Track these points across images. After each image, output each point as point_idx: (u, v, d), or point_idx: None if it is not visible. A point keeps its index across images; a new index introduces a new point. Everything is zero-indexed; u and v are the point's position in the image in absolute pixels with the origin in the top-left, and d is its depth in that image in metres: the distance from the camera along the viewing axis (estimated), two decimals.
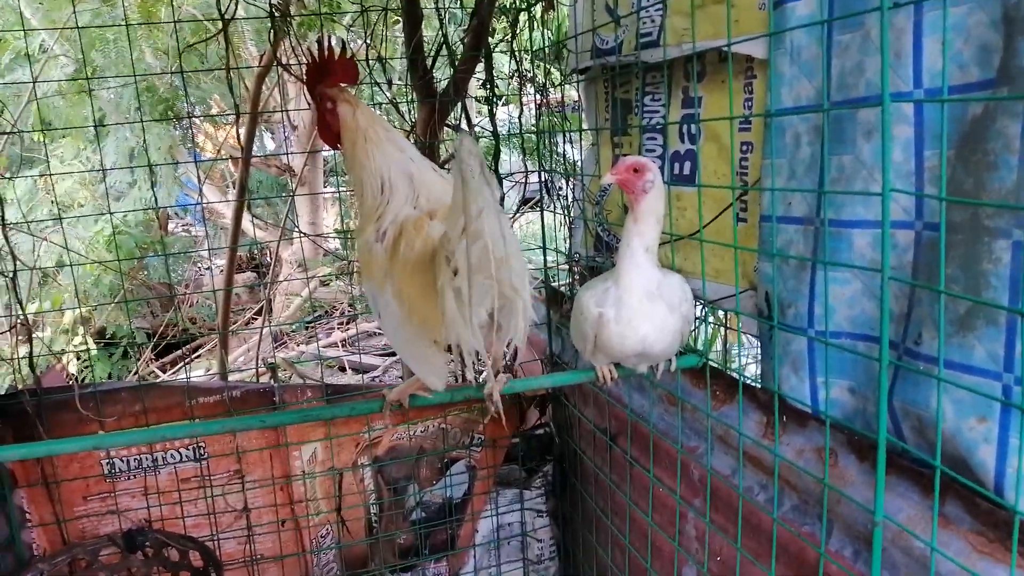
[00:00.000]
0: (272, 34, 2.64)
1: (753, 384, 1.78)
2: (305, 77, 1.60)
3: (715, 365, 1.88)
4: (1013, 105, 1.15)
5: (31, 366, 2.61)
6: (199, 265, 8.18)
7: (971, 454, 1.25)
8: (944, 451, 1.26)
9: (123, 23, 2.58)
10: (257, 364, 3.67)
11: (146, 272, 7.03)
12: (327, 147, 1.68)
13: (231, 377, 4.38)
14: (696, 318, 1.92)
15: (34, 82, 2.68)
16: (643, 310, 1.53)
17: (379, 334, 6.89)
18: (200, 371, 6.15)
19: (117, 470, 2.67)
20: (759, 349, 1.86)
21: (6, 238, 2.42)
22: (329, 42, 1.59)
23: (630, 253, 1.52)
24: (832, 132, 1.47)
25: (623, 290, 1.53)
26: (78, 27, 2.88)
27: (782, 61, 1.57)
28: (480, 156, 1.20)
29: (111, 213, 3.16)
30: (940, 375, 1.19)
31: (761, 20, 1.68)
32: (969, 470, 1.26)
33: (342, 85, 1.58)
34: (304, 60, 1.74)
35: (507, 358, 2.80)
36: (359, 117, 1.56)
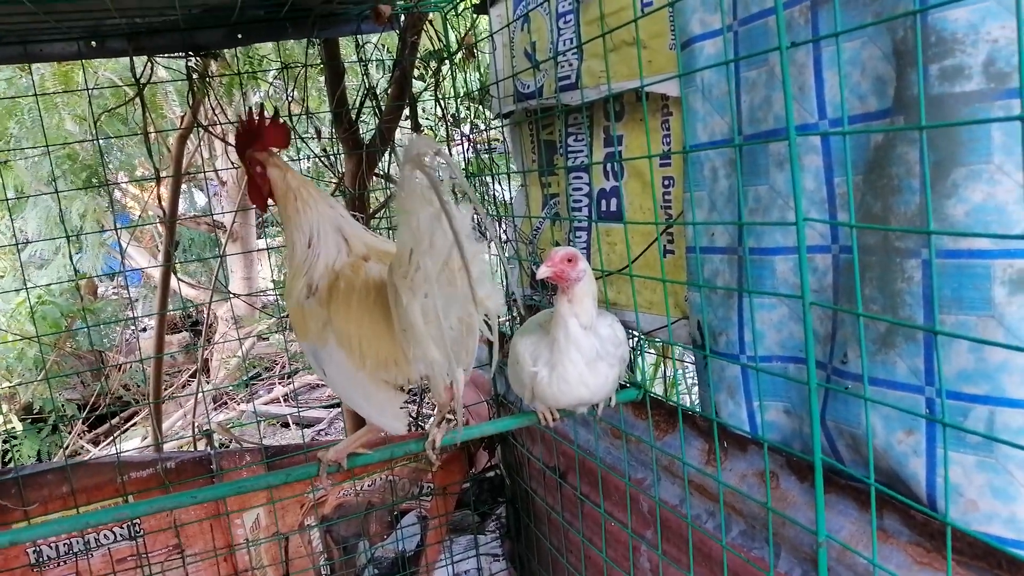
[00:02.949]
0: (191, 96, 2.60)
1: (693, 412, 1.80)
2: (235, 142, 1.59)
3: (655, 395, 1.90)
4: (911, 132, 1.21)
5: None
6: (132, 328, 7.91)
7: (902, 467, 1.28)
8: (878, 466, 1.29)
9: (38, 92, 2.51)
10: (193, 431, 3.54)
11: (75, 341, 6.75)
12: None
13: (168, 446, 4.22)
14: (632, 348, 1.94)
15: None
16: (579, 378, 1.54)
17: (322, 386, 6.75)
18: (136, 439, 5.90)
19: (45, 558, 2.53)
20: (696, 375, 1.89)
21: None
22: (261, 108, 1.59)
23: (565, 334, 1.52)
24: (746, 164, 1.52)
25: (558, 360, 1.53)
26: None
27: (695, 98, 1.62)
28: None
29: (27, 288, 3.03)
30: (866, 395, 1.22)
31: (672, 59, 1.73)
32: (903, 483, 1.29)
33: (272, 149, 1.58)
34: (227, 120, 1.73)
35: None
36: (289, 179, 1.56)
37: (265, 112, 1.58)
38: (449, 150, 3.00)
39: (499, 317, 1.42)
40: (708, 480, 1.67)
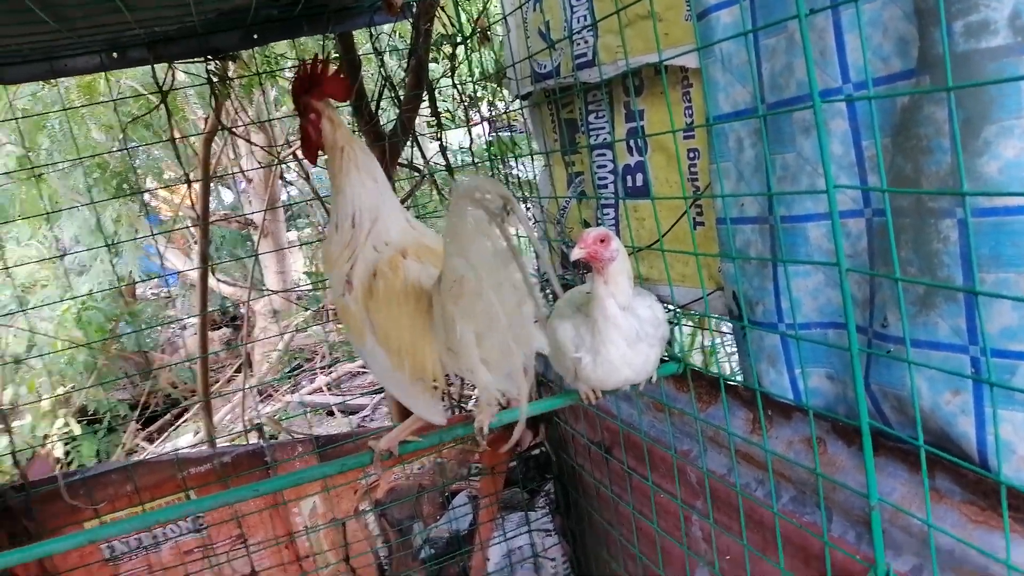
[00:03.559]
0: (213, 98, 2.64)
1: (734, 382, 1.81)
2: (292, 87, 1.56)
3: (696, 368, 1.91)
4: (938, 92, 1.19)
5: (14, 461, 2.57)
6: (174, 327, 8.10)
7: (951, 427, 1.28)
8: (927, 427, 1.29)
9: (65, 106, 2.57)
10: (244, 425, 3.64)
11: (120, 343, 6.93)
12: (284, 197, 1.68)
13: (220, 440, 4.34)
14: (669, 323, 1.95)
15: None
16: (623, 360, 1.55)
17: (363, 373, 6.86)
18: (188, 435, 6.08)
19: (118, 553, 2.64)
20: (735, 345, 1.89)
21: None
22: (326, 58, 1.56)
23: (604, 316, 1.52)
24: (772, 133, 1.51)
25: (600, 344, 1.53)
26: (17, 117, 2.86)
27: (715, 69, 1.61)
28: (501, 195, 1.19)
29: (76, 297, 3.11)
30: (908, 357, 1.22)
31: (689, 30, 1.72)
32: (952, 442, 1.29)
33: (329, 100, 1.55)
34: (248, 120, 1.74)
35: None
36: (339, 136, 1.54)
37: (329, 62, 1.55)
38: (469, 133, 3.01)
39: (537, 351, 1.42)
40: (755, 449, 1.69)
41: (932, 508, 1.27)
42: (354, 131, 2.85)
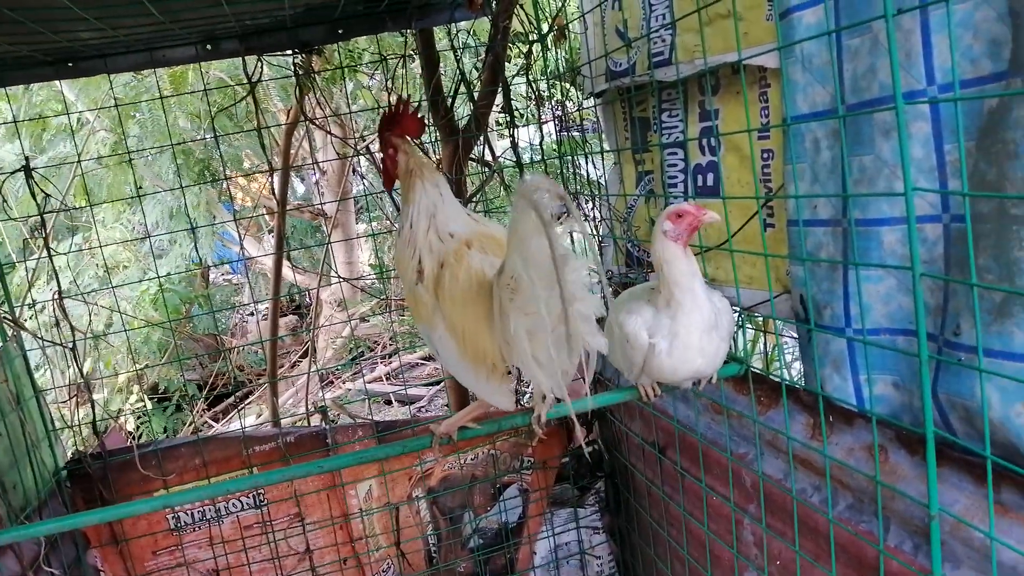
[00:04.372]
0: (298, 90, 2.74)
1: (796, 387, 1.79)
2: (378, 125, 1.72)
3: (757, 371, 1.90)
4: None
5: (94, 430, 2.71)
6: (242, 312, 8.39)
7: (1022, 440, 1.25)
8: (994, 439, 1.27)
9: (157, 95, 2.72)
10: (307, 408, 3.75)
11: (192, 325, 7.23)
12: (355, 190, 1.79)
13: (283, 422, 4.48)
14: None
15: (79, 160, 2.83)
16: (699, 345, 1.55)
17: (422, 364, 6.98)
18: (252, 417, 6.29)
19: (183, 523, 2.76)
20: (799, 350, 1.87)
21: (63, 309, 2.54)
22: (406, 100, 1.71)
23: (692, 296, 1.53)
24: (850, 134, 1.50)
25: (681, 326, 1.53)
26: (116, 104, 3.03)
27: (794, 69, 1.60)
28: (555, 193, 1.22)
29: (158, 277, 3.28)
30: (980, 366, 1.20)
31: (769, 30, 1.71)
32: (1021, 456, 1.26)
33: (406, 136, 1.68)
34: (329, 112, 1.83)
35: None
36: (411, 163, 1.66)
37: (410, 102, 1.69)
38: (540, 130, 3.04)
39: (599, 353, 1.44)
40: (813, 454, 1.67)
41: (996, 521, 1.24)
42: (429, 125, 2.92)
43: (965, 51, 1.28)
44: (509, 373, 1.57)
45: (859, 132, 1.49)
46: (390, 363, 6.95)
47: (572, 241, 2.78)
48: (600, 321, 1.49)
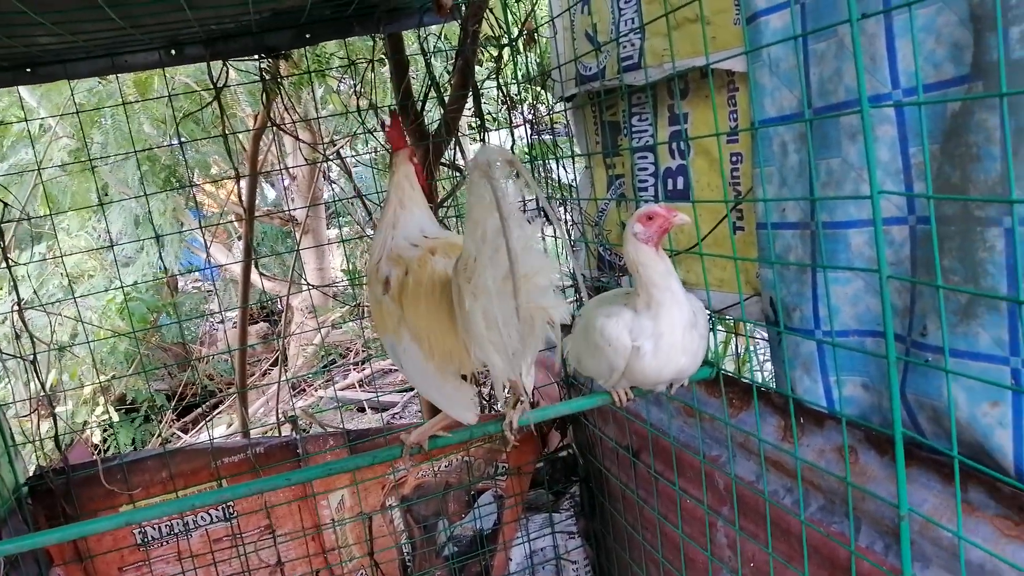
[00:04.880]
0: (265, 95, 2.70)
1: (767, 389, 1.80)
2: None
3: (728, 373, 1.90)
4: (990, 99, 1.19)
5: (57, 444, 2.64)
6: (212, 320, 8.27)
7: (988, 439, 1.27)
8: (961, 439, 1.28)
9: (120, 101, 2.66)
10: (278, 417, 3.70)
11: (160, 334, 7.10)
12: (326, 195, 1.80)
13: (252, 432, 4.41)
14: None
15: (39, 169, 2.77)
16: (683, 343, 1.54)
17: (395, 371, 6.92)
18: (222, 427, 6.19)
19: (150, 538, 2.70)
20: (769, 352, 1.88)
21: (23, 321, 2.47)
22: (394, 115, 1.75)
23: (671, 294, 1.52)
24: (817, 138, 1.51)
25: (665, 325, 1.52)
26: (77, 111, 2.96)
27: (762, 73, 1.61)
28: (508, 161, 1.22)
29: (123, 287, 3.20)
30: (947, 367, 1.21)
31: (737, 34, 1.72)
32: (988, 455, 1.28)
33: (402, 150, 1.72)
34: (297, 118, 1.82)
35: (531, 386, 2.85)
36: (392, 180, 1.69)
37: (394, 115, 1.74)
38: (511, 134, 3.03)
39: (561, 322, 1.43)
40: (784, 456, 1.68)
41: (964, 521, 1.25)
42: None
43: (928, 55, 1.30)
44: (474, 382, 1.55)
45: (826, 135, 1.50)
46: (363, 370, 6.89)
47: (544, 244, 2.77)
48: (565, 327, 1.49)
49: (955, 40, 1.26)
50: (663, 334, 1.52)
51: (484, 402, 3.13)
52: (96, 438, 5.97)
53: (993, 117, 1.18)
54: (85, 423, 5.61)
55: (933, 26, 1.29)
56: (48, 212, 5.36)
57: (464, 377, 1.57)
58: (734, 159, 1.83)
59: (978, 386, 1.26)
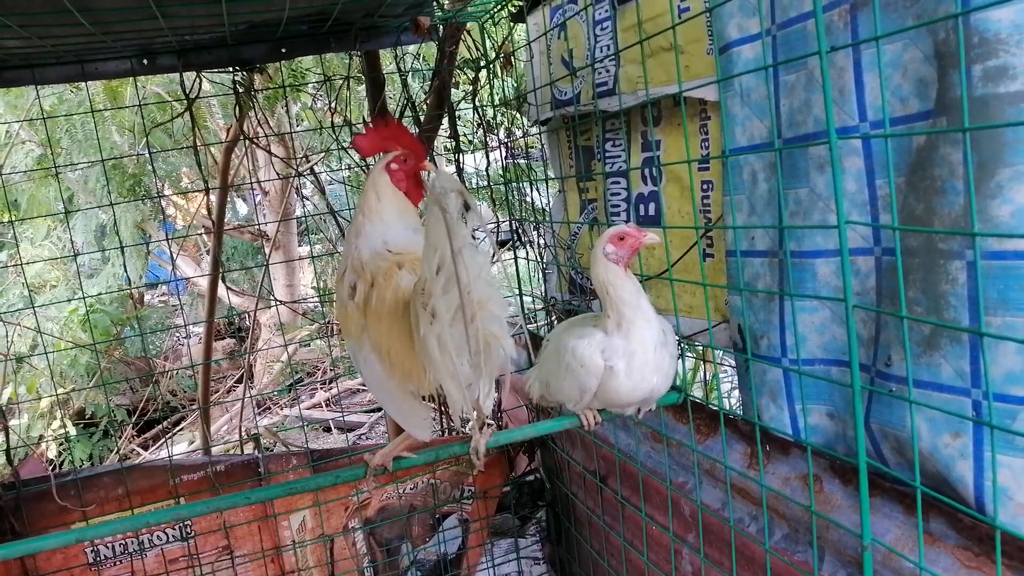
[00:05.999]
0: (237, 108, 2.68)
1: (734, 416, 1.80)
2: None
3: (696, 399, 1.90)
4: (954, 134, 1.21)
5: (8, 459, 2.56)
6: (177, 334, 8.11)
7: (949, 470, 1.27)
8: (924, 469, 1.29)
9: (89, 109, 2.61)
10: (240, 435, 3.63)
11: (123, 348, 6.94)
12: (298, 211, 1.76)
13: (215, 449, 4.32)
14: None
15: (0, 174, 2.70)
16: (655, 362, 1.54)
17: (363, 391, 6.84)
18: (183, 444, 6.05)
19: (102, 557, 2.61)
20: (737, 379, 1.89)
21: None
22: (369, 124, 1.70)
23: (641, 312, 1.53)
24: (786, 168, 1.53)
25: (637, 344, 1.53)
26: (44, 117, 2.91)
27: (733, 103, 1.63)
28: (459, 192, 1.22)
29: (84, 297, 3.13)
30: (911, 397, 1.22)
31: (710, 64, 1.74)
32: (950, 486, 1.28)
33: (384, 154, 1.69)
34: (271, 132, 1.79)
35: (491, 408, 2.82)
36: (370, 178, 1.67)
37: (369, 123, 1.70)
38: (487, 156, 3.04)
39: (513, 356, 1.43)
40: (750, 483, 1.68)
41: (925, 551, 1.26)
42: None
43: (895, 90, 1.33)
44: (432, 401, 1.54)
45: (795, 165, 1.52)
46: (330, 389, 6.79)
47: (517, 270, 2.77)
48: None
49: (920, 76, 1.29)
50: (635, 352, 1.53)
51: (450, 424, 3.10)
52: (52, 452, 5.80)
53: (956, 152, 1.21)
54: (41, 437, 5.44)
55: (900, 61, 1.31)
56: (10, 219, 5.25)
57: (424, 397, 1.56)
58: (705, 187, 1.85)
59: (940, 417, 1.27)
